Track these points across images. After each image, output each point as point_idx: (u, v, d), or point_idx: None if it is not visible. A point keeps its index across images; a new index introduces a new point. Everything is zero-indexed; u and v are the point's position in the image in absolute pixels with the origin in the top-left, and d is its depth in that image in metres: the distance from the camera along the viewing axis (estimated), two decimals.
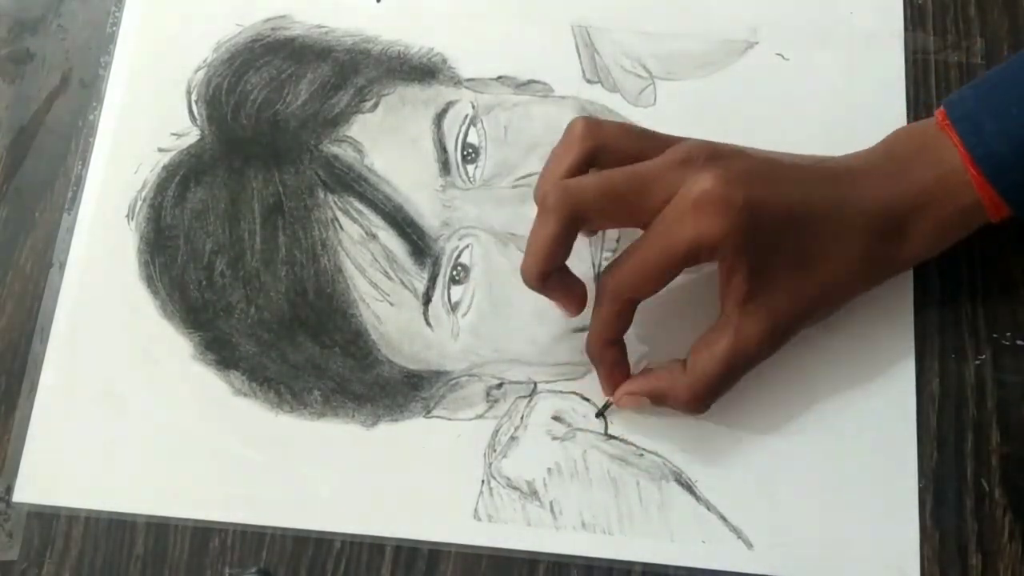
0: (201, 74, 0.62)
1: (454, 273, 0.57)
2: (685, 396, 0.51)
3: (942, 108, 0.52)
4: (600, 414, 0.55)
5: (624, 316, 0.51)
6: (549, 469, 0.54)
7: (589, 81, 0.61)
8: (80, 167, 0.61)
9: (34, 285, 0.59)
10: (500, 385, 0.56)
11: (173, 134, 0.61)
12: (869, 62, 0.61)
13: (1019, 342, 0.55)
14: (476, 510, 0.54)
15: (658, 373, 0.53)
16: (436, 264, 0.57)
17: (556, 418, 0.55)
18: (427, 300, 0.57)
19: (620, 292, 0.50)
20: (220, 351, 0.57)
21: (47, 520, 0.54)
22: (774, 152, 0.53)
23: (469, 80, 0.61)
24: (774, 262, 0.49)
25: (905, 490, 0.53)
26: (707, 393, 0.51)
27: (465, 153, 0.59)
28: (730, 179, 0.48)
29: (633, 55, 0.62)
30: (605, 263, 0.57)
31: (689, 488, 0.54)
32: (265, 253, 0.58)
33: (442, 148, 0.59)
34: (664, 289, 0.50)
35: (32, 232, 0.60)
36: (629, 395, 0.53)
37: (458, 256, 0.57)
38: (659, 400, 0.52)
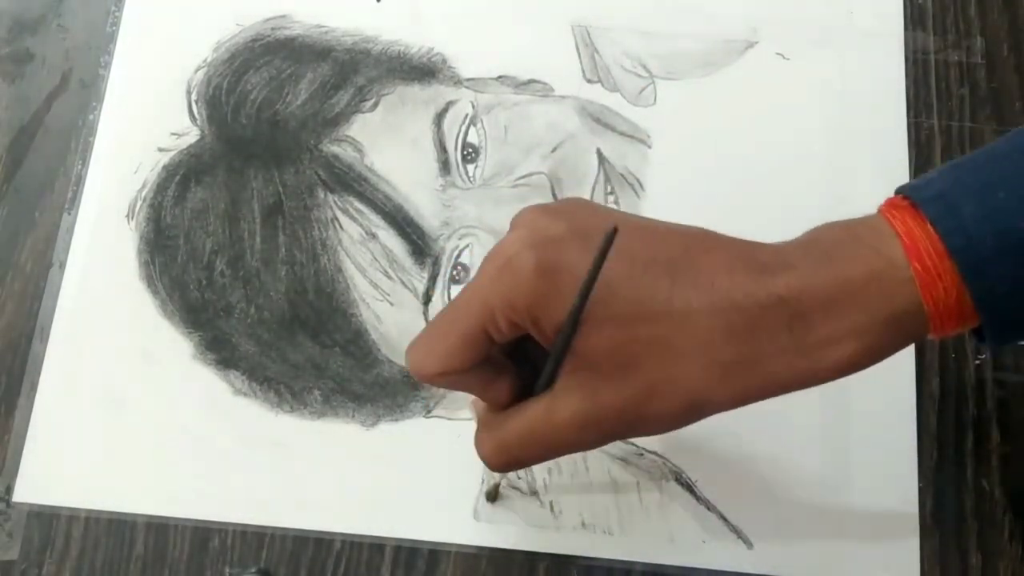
0: (201, 74, 0.62)
1: (454, 273, 0.57)
2: (485, 450, 0.45)
3: (897, 195, 0.42)
4: (488, 494, 0.53)
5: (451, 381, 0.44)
6: (549, 469, 0.54)
7: (589, 81, 0.61)
8: (80, 167, 0.61)
9: (34, 285, 0.59)
10: None
11: (173, 134, 0.61)
12: (869, 62, 0.61)
13: (1019, 343, 0.55)
14: (476, 510, 0.54)
15: (487, 412, 0.46)
16: (436, 264, 0.57)
17: None
18: (427, 300, 0.57)
19: (420, 368, 0.43)
20: (220, 351, 0.57)
21: (47, 520, 0.54)
22: (649, 220, 0.44)
23: (469, 80, 0.61)
24: (595, 343, 0.41)
25: (905, 490, 0.53)
26: (504, 459, 0.45)
27: (465, 153, 0.59)
28: (529, 241, 0.41)
29: (633, 55, 0.62)
30: None
31: (689, 488, 0.54)
32: (265, 253, 0.58)
33: (442, 148, 0.59)
34: None
35: (32, 232, 0.60)
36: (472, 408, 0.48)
37: (458, 256, 0.57)
38: (474, 443, 0.46)
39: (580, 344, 0.41)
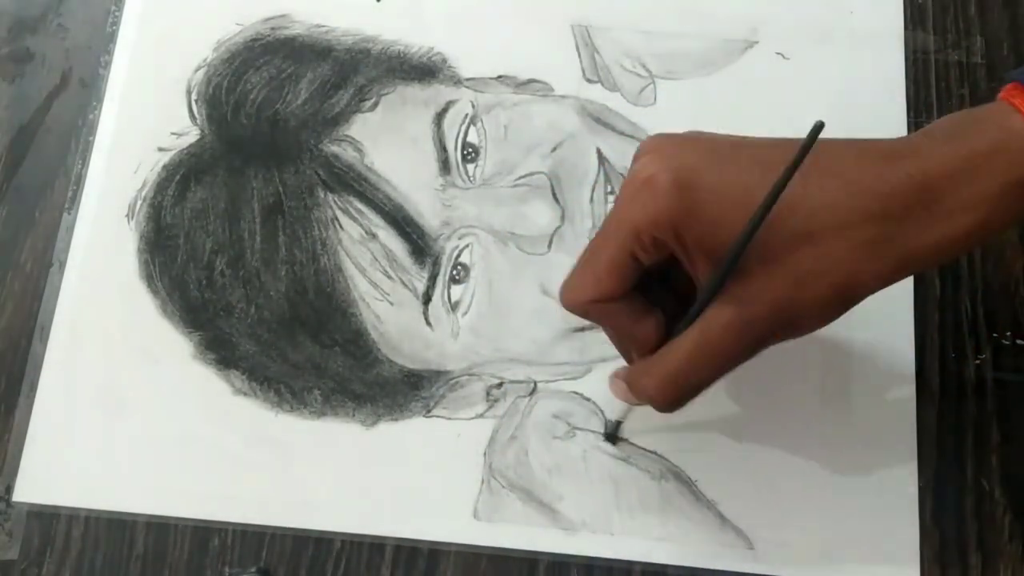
0: (201, 73, 0.62)
1: (454, 272, 0.57)
2: (650, 390, 0.46)
3: (1008, 82, 0.44)
4: (608, 437, 0.54)
5: (604, 312, 0.46)
6: (549, 469, 0.54)
7: (589, 80, 0.61)
8: (80, 167, 0.61)
9: (34, 285, 0.59)
10: (500, 384, 0.56)
11: (173, 133, 0.61)
12: (869, 61, 0.61)
13: (1019, 342, 0.55)
14: (476, 510, 0.54)
15: (639, 362, 0.47)
16: (436, 263, 0.57)
17: (556, 418, 0.55)
18: (427, 299, 0.57)
19: (575, 297, 0.46)
20: (220, 350, 0.57)
21: (47, 520, 0.54)
22: (754, 137, 0.47)
23: (469, 79, 0.61)
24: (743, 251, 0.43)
25: (905, 490, 0.53)
26: (672, 390, 0.46)
27: (465, 152, 0.59)
28: (663, 162, 0.43)
29: (633, 54, 0.62)
30: None
31: (689, 487, 0.54)
32: (265, 253, 0.58)
33: (442, 147, 0.59)
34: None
35: (32, 232, 0.60)
36: (614, 376, 0.50)
37: (458, 255, 0.57)
38: (633, 393, 0.48)
39: (715, 248, 0.43)
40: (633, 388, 0.47)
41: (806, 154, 0.40)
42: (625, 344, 0.49)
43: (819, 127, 0.40)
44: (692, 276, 0.45)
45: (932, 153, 0.43)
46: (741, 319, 0.44)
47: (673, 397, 0.46)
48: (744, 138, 0.46)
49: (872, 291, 0.44)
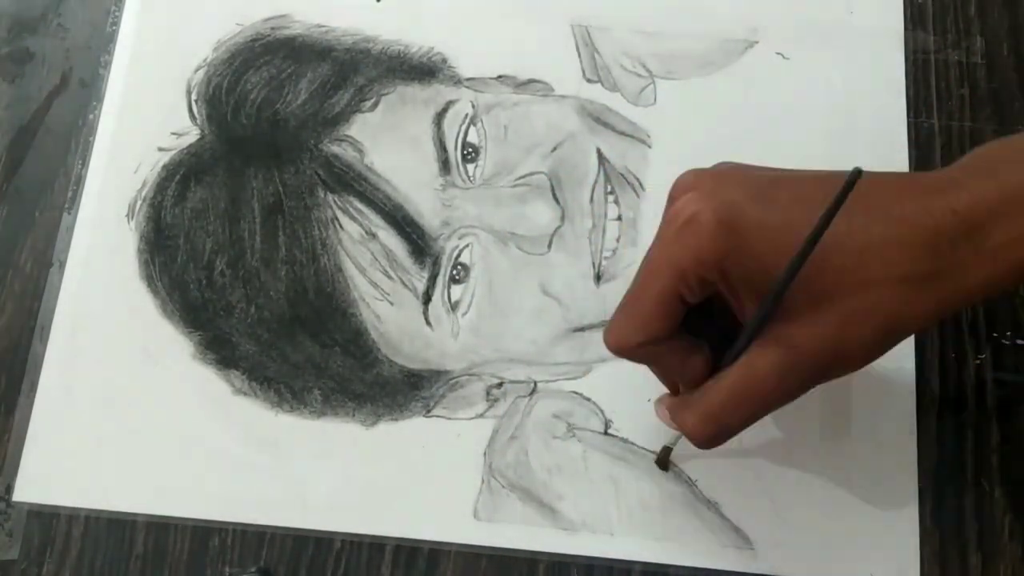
0: (201, 73, 0.62)
1: (454, 272, 0.57)
2: (688, 426, 0.46)
3: None
4: (659, 462, 0.54)
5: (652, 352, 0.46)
6: (549, 469, 0.54)
7: (589, 80, 0.61)
8: (80, 167, 0.61)
9: (34, 285, 0.59)
10: (500, 384, 0.56)
11: (173, 133, 0.61)
12: (869, 62, 0.61)
13: (1019, 342, 0.55)
14: (476, 510, 0.54)
15: (682, 396, 0.48)
16: (436, 263, 0.57)
17: (556, 417, 0.55)
18: (427, 299, 0.57)
19: (622, 340, 0.46)
20: (220, 350, 0.57)
21: (47, 520, 0.54)
22: (791, 170, 0.46)
23: (469, 79, 0.61)
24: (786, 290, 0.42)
25: (905, 490, 0.53)
26: (712, 429, 0.46)
27: (465, 152, 0.59)
28: (705, 200, 0.43)
29: (633, 54, 0.62)
30: (606, 262, 0.57)
31: (689, 487, 0.54)
32: (265, 252, 0.58)
33: (442, 147, 0.59)
34: None
35: (32, 232, 0.60)
36: (659, 404, 0.50)
37: (458, 255, 0.57)
38: (675, 424, 0.48)
39: (760, 286, 0.42)
40: (675, 419, 0.48)
41: (847, 196, 0.39)
42: (671, 380, 0.49)
43: (857, 173, 0.39)
44: (736, 312, 0.45)
45: (973, 188, 0.43)
46: (785, 361, 0.43)
47: (712, 435, 0.46)
48: (781, 171, 0.46)
49: (919, 330, 0.44)
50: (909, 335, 0.44)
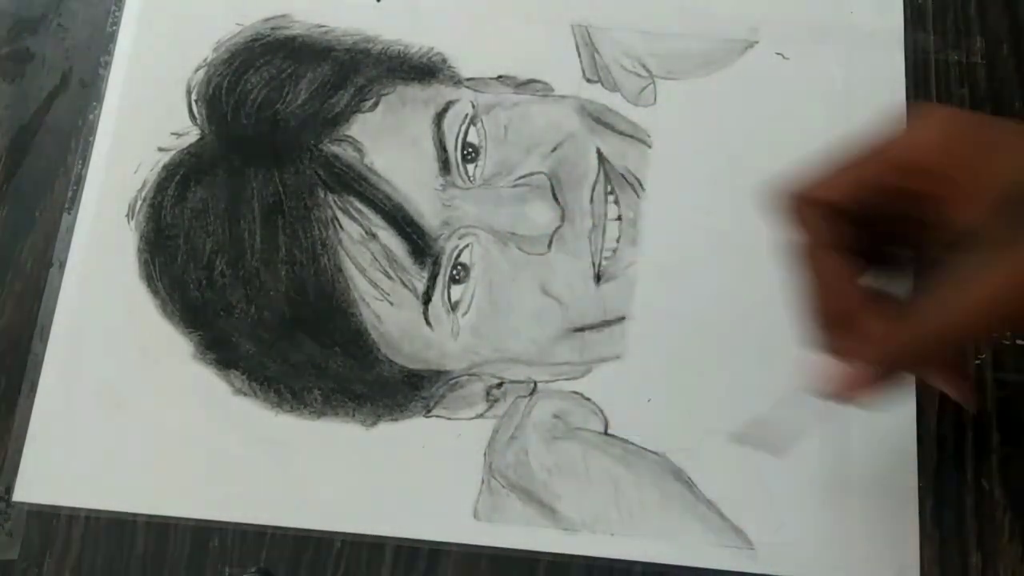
0: (201, 73, 0.62)
1: (454, 272, 0.57)
2: (882, 349, 0.43)
3: None
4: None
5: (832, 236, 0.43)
6: (549, 469, 0.54)
7: (589, 80, 0.61)
8: (80, 167, 0.61)
9: (34, 285, 0.59)
10: (500, 385, 0.56)
11: (173, 133, 0.61)
12: (869, 61, 0.61)
13: (1019, 342, 0.55)
14: (476, 510, 0.54)
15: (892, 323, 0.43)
16: (436, 263, 0.57)
17: (556, 418, 0.55)
18: (427, 299, 0.57)
19: (815, 190, 0.43)
20: (220, 351, 0.57)
21: (47, 520, 0.54)
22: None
23: (469, 79, 0.61)
24: (1006, 216, 0.39)
25: (905, 490, 0.53)
26: (932, 343, 0.42)
27: (465, 152, 0.59)
28: (935, 110, 0.42)
29: (633, 54, 0.62)
30: (606, 262, 0.57)
31: (689, 487, 0.54)
32: (265, 253, 0.58)
33: (442, 147, 0.59)
34: None
35: (32, 232, 0.60)
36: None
37: (458, 255, 0.57)
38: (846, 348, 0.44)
39: (982, 195, 0.40)
40: (885, 344, 0.43)
41: None
42: (825, 293, 0.44)
43: None
44: (945, 220, 0.41)
45: None
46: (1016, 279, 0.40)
47: (899, 362, 0.43)
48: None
49: None
50: None
